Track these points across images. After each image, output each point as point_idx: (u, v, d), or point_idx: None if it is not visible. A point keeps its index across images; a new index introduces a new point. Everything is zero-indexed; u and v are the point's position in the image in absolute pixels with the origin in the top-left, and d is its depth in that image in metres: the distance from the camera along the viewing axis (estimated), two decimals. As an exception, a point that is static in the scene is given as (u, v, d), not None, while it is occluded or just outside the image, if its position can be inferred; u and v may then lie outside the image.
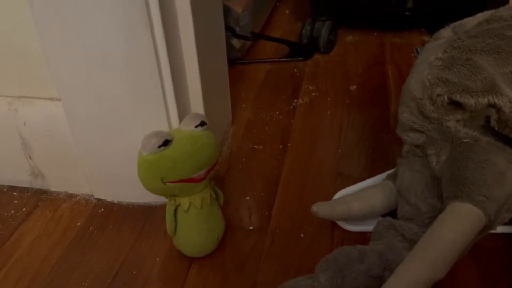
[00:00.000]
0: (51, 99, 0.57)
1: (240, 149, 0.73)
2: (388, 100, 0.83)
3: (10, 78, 0.57)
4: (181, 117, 0.55)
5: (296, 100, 0.85)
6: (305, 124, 0.78)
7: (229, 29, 0.90)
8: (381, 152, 0.70)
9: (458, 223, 0.40)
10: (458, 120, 0.44)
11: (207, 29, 0.60)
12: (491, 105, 0.41)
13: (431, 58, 0.46)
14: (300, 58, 0.99)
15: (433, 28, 1.09)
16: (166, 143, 0.48)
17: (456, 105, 0.43)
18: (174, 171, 0.48)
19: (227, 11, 0.91)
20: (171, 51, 0.51)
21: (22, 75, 0.57)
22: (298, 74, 0.95)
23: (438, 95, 0.44)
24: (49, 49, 0.51)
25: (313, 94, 0.87)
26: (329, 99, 0.85)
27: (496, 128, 0.42)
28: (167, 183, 0.49)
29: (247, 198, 0.63)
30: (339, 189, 0.60)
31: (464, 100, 0.42)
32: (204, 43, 0.57)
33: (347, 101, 0.84)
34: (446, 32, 0.48)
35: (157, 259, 0.54)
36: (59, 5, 0.47)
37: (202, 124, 0.51)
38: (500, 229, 0.54)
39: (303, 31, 1.01)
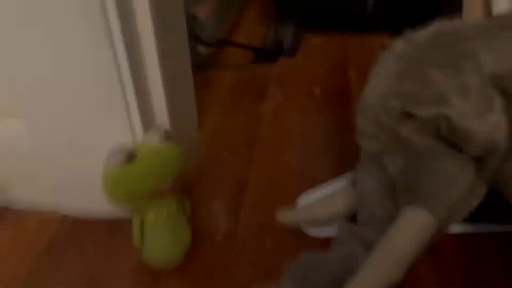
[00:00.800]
0: (12, 116, 0.56)
1: (207, 156, 0.73)
2: (350, 103, 0.86)
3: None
4: (145, 130, 0.55)
5: (262, 105, 0.87)
6: (271, 129, 0.80)
7: (194, 36, 0.91)
8: (345, 154, 0.73)
9: (412, 229, 0.42)
10: (410, 129, 0.46)
11: (169, 38, 0.60)
12: (441, 116, 0.43)
13: (386, 70, 0.48)
14: (265, 63, 1.00)
15: (394, 30, 1.13)
16: (130, 158, 0.48)
17: (409, 115, 0.45)
18: (139, 185, 0.49)
19: (192, 18, 0.91)
20: (133, 63, 0.51)
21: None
22: (263, 78, 0.96)
23: (392, 106, 0.46)
24: (7, 62, 0.50)
25: (279, 98, 0.89)
26: (294, 103, 0.87)
27: (446, 137, 0.45)
28: (133, 197, 0.49)
29: (215, 205, 0.64)
30: (304, 192, 0.62)
31: (416, 111, 0.44)
32: (166, 52, 0.57)
33: (312, 104, 0.86)
34: (398, 44, 0.50)
35: (127, 272, 0.54)
36: (17, 15, 0.47)
37: (167, 137, 0.52)
38: (454, 229, 0.56)
39: (267, 36, 1.03)
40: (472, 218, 0.50)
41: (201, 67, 0.97)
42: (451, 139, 0.45)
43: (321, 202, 0.56)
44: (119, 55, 0.50)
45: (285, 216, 0.53)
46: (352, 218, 0.54)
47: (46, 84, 0.51)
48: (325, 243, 0.56)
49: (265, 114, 0.84)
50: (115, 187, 0.48)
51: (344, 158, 0.71)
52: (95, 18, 0.47)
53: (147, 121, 0.57)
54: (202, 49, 0.95)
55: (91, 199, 0.58)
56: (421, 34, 0.49)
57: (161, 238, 0.52)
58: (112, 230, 0.60)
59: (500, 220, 0.56)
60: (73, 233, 0.60)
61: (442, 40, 0.47)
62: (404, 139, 0.47)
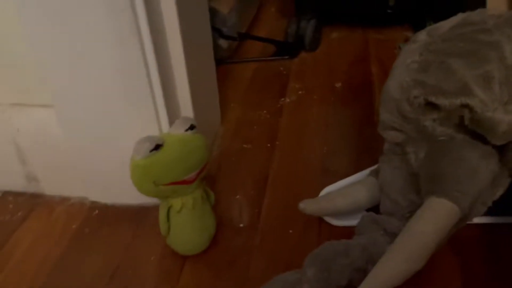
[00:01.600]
0: (44, 106, 0.59)
1: (230, 149, 0.75)
2: (372, 96, 0.86)
3: (3, 86, 0.59)
4: (171, 121, 0.57)
5: (283, 99, 0.88)
6: (292, 122, 0.81)
7: (216, 30, 0.92)
8: (366, 148, 0.73)
9: (434, 217, 0.43)
10: (434, 120, 0.47)
11: (194, 32, 0.61)
12: (464, 106, 0.44)
13: (408, 61, 0.49)
14: (286, 57, 1.01)
15: (415, 24, 1.12)
16: (157, 147, 0.50)
17: (432, 105, 0.46)
18: (166, 174, 0.50)
19: (213, 12, 0.93)
20: (159, 57, 0.53)
21: (15, 83, 0.58)
22: (284, 72, 0.97)
23: (415, 96, 0.46)
24: (40, 58, 0.53)
25: (300, 92, 0.90)
26: (315, 97, 0.88)
27: (469, 127, 0.45)
28: (160, 186, 0.51)
29: (237, 196, 0.65)
30: (326, 186, 0.63)
31: (439, 101, 0.44)
32: (191, 46, 0.59)
33: (332, 98, 0.87)
34: (421, 36, 0.50)
35: (152, 258, 0.56)
36: (50, 14, 0.49)
37: (192, 127, 0.53)
38: (477, 219, 0.56)
39: (289, 30, 1.03)
40: (495, 208, 0.50)
41: (223, 61, 0.98)
42: (474, 129, 0.45)
43: (343, 193, 0.57)
44: (146, 49, 0.51)
45: (306, 205, 0.54)
46: (374, 209, 0.55)
47: (76, 75, 0.53)
48: (348, 233, 0.57)
49: (286, 107, 0.85)
50: (141, 177, 0.50)
51: (365, 152, 0.72)
52: (123, 14, 0.48)
53: (173, 113, 0.59)
54: (223, 43, 0.96)
55: (119, 187, 0.60)
56: (445, 26, 0.49)
57: (186, 225, 0.54)
58: (139, 217, 0.62)
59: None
60: (101, 220, 0.62)
61: (466, 31, 0.47)
62: (427, 129, 0.48)
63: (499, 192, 0.48)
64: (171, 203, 0.53)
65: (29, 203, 0.66)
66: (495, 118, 0.43)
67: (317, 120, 0.81)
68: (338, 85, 0.91)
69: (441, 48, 0.46)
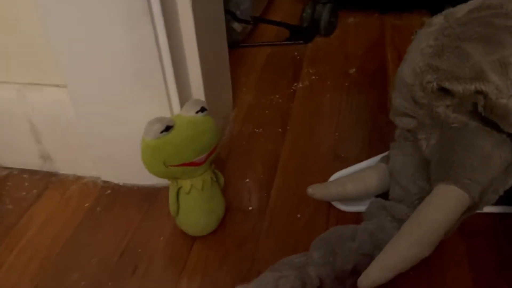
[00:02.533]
0: (57, 85, 0.59)
1: (241, 133, 0.75)
2: (386, 83, 0.85)
3: (18, 66, 0.60)
4: (182, 103, 0.57)
5: (296, 84, 0.87)
6: (304, 107, 0.80)
7: (229, 13, 0.91)
8: (378, 134, 0.72)
9: (443, 204, 0.42)
10: (447, 106, 0.46)
11: (206, 14, 0.61)
12: (479, 92, 0.43)
13: (423, 45, 0.48)
14: (300, 41, 1.00)
15: (433, 9, 1.09)
16: (168, 128, 0.50)
17: (445, 91, 0.45)
18: (175, 155, 0.51)
19: (227, -5, 0.92)
20: (171, 38, 0.53)
21: (29, 63, 0.59)
22: (298, 57, 0.96)
23: (428, 82, 0.45)
24: (53, 38, 0.53)
25: (313, 77, 0.89)
26: (328, 82, 0.87)
27: (483, 114, 0.44)
28: (169, 167, 0.51)
29: (247, 180, 0.65)
30: (336, 171, 0.63)
31: (453, 86, 0.43)
32: (203, 28, 0.59)
33: (346, 84, 0.86)
34: (438, 19, 0.49)
35: (161, 238, 0.57)
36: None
37: (203, 109, 0.53)
38: (487, 209, 0.56)
39: (304, 14, 1.02)
40: (506, 198, 0.50)
41: (236, 44, 0.98)
42: (488, 116, 0.44)
43: (352, 178, 0.56)
44: (158, 29, 0.51)
45: (315, 190, 0.54)
46: (383, 195, 0.55)
47: (88, 55, 0.53)
48: (356, 219, 0.57)
49: (299, 92, 0.84)
50: (152, 157, 0.51)
51: (378, 139, 0.71)
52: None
53: (184, 95, 0.59)
54: (237, 26, 0.96)
55: (131, 168, 0.61)
56: (462, 9, 0.48)
57: (195, 207, 0.54)
58: (149, 198, 0.63)
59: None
60: (113, 199, 0.63)
61: (483, 15, 0.45)
62: (440, 116, 0.47)
63: (512, 181, 0.47)
64: (180, 184, 0.54)
65: (44, 181, 0.67)
66: (509, 105, 0.42)
67: (329, 106, 0.80)
68: (352, 71, 0.90)
69: (457, 33, 0.45)
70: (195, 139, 0.52)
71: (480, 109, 0.44)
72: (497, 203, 0.48)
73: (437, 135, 0.48)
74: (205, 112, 0.53)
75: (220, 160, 0.69)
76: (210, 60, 0.63)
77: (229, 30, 0.96)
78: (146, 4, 0.49)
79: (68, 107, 0.59)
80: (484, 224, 0.55)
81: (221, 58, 0.72)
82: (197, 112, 0.53)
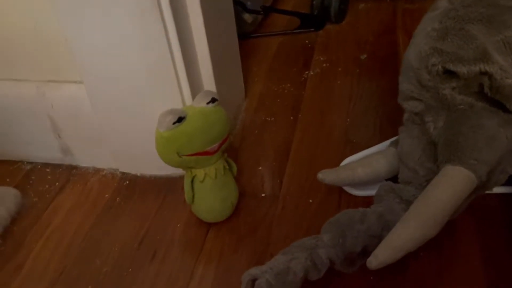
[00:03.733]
0: (75, 82, 0.62)
1: (253, 122, 0.76)
2: (397, 68, 0.85)
3: (36, 64, 0.62)
4: (194, 95, 0.59)
5: (307, 72, 0.88)
6: (315, 95, 0.81)
7: (239, 4, 0.92)
8: (389, 119, 0.73)
9: (450, 185, 0.43)
10: (453, 88, 0.46)
11: (215, 7, 0.62)
12: (483, 73, 0.43)
13: (428, 29, 0.48)
14: (311, 29, 1.00)
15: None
16: (180, 119, 0.52)
17: (451, 73, 0.45)
18: (189, 145, 0.53)
19: (237, -14, 0.93)
20: (181, 33, 0.54)
21: (48, 61, 0.62)
22: (309, 45, 0.97)
23: (433, 64, 0.46)
24: (70, 36, 0.55)
25: (324, 65, 0.89)
26: (339, 69, 0.87)
27: (489, 94, 0.44)
28: (183, 157, 0.53)
29: (260, 167, 0.67)
30: (347, 157, 0.63)
31: (457, 68, 0.44)
32: (212, 21, 0.60)
33: (357, 70, 0.86)
34: (442, 2, 0.49)
35: (178, 225, 0.59)
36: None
37: (213, 100, 0.55)
38: (497, 189, 0.56)
39: (314, 2, 1.02)
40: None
41: (247, 34, 0.99)
42: (494, 96, 0.45)
43: (362, 163, 0.57)
44: (168, 24, 0.53)
45: (325, 175, 0.55)
46: (393, 179, 0.56)
47: (101, 51, 0.56)
48: (367, 203, 0.58)
49: (310, 80, 0.85)
50: (166, 148, 0.53)
51: (389, 124, 0.72)
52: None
53: (195, 87, 0.61)
54: (248, 17, 0.97)
55: (147, 159, 0.63)
56: (466, -9, 0.48)
57: (209, 194, 0.56)
58: (166, 187, 0.65)
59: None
60: (131, 190, 0.66)
61: (487, -4, 0.45)
62: (446, 98, 0.47)
63: (521, 160, 0.47)
64: (194, 173, 0.56)
65: (66, 174, 0.70)
66: (515, 85, 0.42)
67: (340, 93, 0.81)
68: (364, 57, 0.90)
69: (461, 14, 0.45)
70: (207, 129, 0.54)
71: (486, 89, 0.44)
72: (508, 183, 0.49)
73: (444, 117, 0.48)
74: (216, 103, 0.55)
75: (233, 149, 0.71)
76: (220, 52, 0.65)
77: (240, 21, 0.97)
78: (156, 1, 0.50)
79: (85, 102, 0.61)
80: (494, 205, 0.55)
81: (231, 50, 0.73)
82: (208, 103, 0.54)
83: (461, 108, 0.46)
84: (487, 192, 0.51)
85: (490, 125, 0.44)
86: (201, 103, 0.55)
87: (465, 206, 0.47)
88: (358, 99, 0.79)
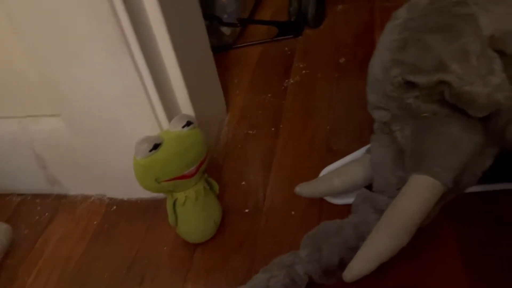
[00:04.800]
0: (53, 115, 0.63)
1: (236, 136, 0.77)
2: (376, 69, 0.85)
3: (16, 101, 0.64)
4: (170, 119, 0.60)
5: (287, 80, 0.89)
6: (296, 104, 0.82)
7: (215, 18, 0.93)
8: (369, 124, 0.73)
9: (417, 195, 0.44)
10: (416, 97, 0.47)
11: (183, 27, 0.63)
12: (442, 82, 0.44)
13: (388, 40, 0.49)
14: (290, 36, 1.01)
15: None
16: (156, 146, 0.53)
17: (412, 84, 0.46)
18: (166, 171, 0.54)
19: (211, 0, 0.94)
20: (150, 61, 0.55)
21: (25, 97, 0.63)
22: (289, 52, 0.97)
23: (394, 76, 0.47)
24: (42, 72, 0.56)
25: (304, 71, 0.90)
26: (319, 75, 0.88)
27: (450, 101, 0.45)
28: (162, 182, 0.54)
29: (243, 182, 0.68)
30: (329, 165, 0.64)
31: (417, 79, 0.45)
32: (182, 42, 0.61)
33: (336, 75, 0.87)
34: (402, 13, 0.50)
35: (165, 248, 0.61)
36: (44, 28, 0.52)
37: (188, 124, 0.56)
38: (475, 188, 0.57)
39: (291, 8, 1.03)
40: (493, 176, 0.51)
41: (227, 46, 1.00)
42: (455, 103, 0.45)
43: (339, 172, 0.58)
44: (136, 57, 0.54)
45: (302, 188, 0.56)
46: (371, 186, 0.56)
47: (76, 85, 0.57)
48: (348, 211, 0.59)
49: (291, 89, 0.86)
50: (144, 175, 0.54)
51: (369, 128, 0.71)
52: (108, 26, 0.51)
53: (172, 111, 0.62)
54: (226, 30, 0.98)
55: (132, 183, 0.64)
56: (424, 0, 0.49)
57: (192, 216, 0.58)
58: (152, 210, 0.66)
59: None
60: (119, 215, 0.67)
61: (443, 5, 0.46)
62: (411, 107, 0.48)
63: (489, 162, 0.48)
64: (175, 196, 0.57)
65: (55, 204, 0.72)
66: (473, 91, 0.43)
67: (320, 99, 0.82)
68: (342, 60, 0.91)
69: (418, 25, 0.46)
70: (184, 153, 0.55)
71: (446, 97, 0.45)
72: (484, 181, 0.50)
73: (410, 125, 0.49)
74: (191, 126, 0.56)
75: (217, 165, 0.72)
76: (194, 72, 0.66)
77: (218, 34, 0.98)
78: (121, 35, 0.51)
79: (65, 133, 0.63)
80: (472, 205, 0.56)
81: (206, 67, 0.74)
82: (183, 127, 0.56)
83: (426, 116, 0.47)
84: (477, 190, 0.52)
85: (454, 131, 0.45)
86: (177, 127, 0.56)
87: (436, 211, 0.48)
88: (337, 104, 0.79)
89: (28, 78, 0.60)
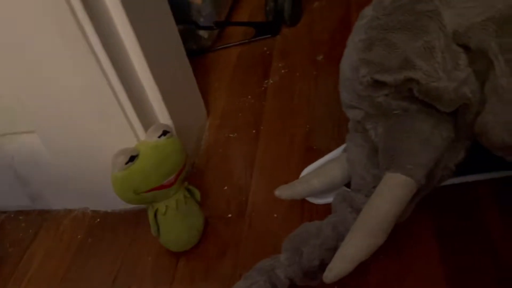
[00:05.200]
0: (29, 132, 0.63)
1: (217, 140, 0.77)
2: (353, 65, 0.86)
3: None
4: (146, 129, 0.60)
5: (266, 81, 0.89)
6: (275, 104, 0.82)
7: (192, 23, 0.93)
8: (347, 122, 0.73)
9: (390, 193, 0.44)
10: (386, 95, 0.47)
11: (155, 36, 0.63)
12: (409, 79, 0.44)
13: (356, 39, 0.49)
14: (268, 36, 1.01)
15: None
16: (132, 158, 0.53)
17: (381, 82, 0.46)
18: (144, 183, 0.54)
19: (187, 4, 0.94)
20: (122, 75, 0.55)
21: (2, 115, 0.62)
22: (268, 52, 0.97)
23: (363, 76, 0.47)
24: (15, 93, 0.56)
25: (283, 71, 0.90)
26: (297, 73, 0.88)
27: (419, 98, 0.46)
28: (141, 194, 0.54)
29: (225, 187, 0.68)
30: (310, 164, 0.65)
31: (384, 78, 0.45)
32: (154, 52, 0.60)
33: (314, 73, 0.87)
34: (368, 11, 0.50)
35: (149, 258, 0.61)
36: (13, 50, 0.52)
37: (165, 133, 0.56)
38: (452, 180, 0.57)
39: (267, 8, 1.03)
40: (469, 168, 0.51)
41: (206, 49, 1.00)
42: (424, 99, 0.46)
43: (318, 173, 0.58)
44: (108, 72, 0.53)
45: (281, 191, 0.57)
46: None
47: (51, 102, 0.57)
48: (329, 210, 0.59)
49: (270, 89, 0.86)
50: (122, 188, 0.54)
51: (347, 126, 0.72)
52: (77, 44, 0.51)
53: (148, 121, 0.62)
54: (203, 33, 0.97)
55: (113, 195, 0.64)
56: (388, -2, 0.49)
57: (174, 226, 0.58)
58: (135, 221, 0.66)
59: (494, 169, 0.56)
60: (102, 227, 0.67)
61: (405, 2, 0.46)
62: (381, 104, 0.48)
63: (461, 155, 0.49)
64: (156, 207, 0.57)
65: (39, 220, 0.71)
66: (440, 87, 0.43)
67: (299, 98, 0.82)
68: (320, 57, 0.91)
69: (383, 24, 0.46)
70: (161, 163, 0.55)
71: (415, 93, 0.45)
72: (460, 173, 0.50)
73: (383, 123, 0.49)
74: (168, 135, 0.56)
75: (199, 171, 0.72)
76: (169, 80, 0.66)
77: (196, 38, 0.98)
78: (90, 51, 0.51)
79: (42, 149, 0.62)
80: (450, 197, 0.57)
81: (182, 73, 0.74)
82: (159, 137, 0.56)
83: (396, 114, 0.48)
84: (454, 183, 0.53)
85: (425, 127, 0.46)
86: (153, 137, 0.56)
87: (412, 207, 0.49)
88: (316, 103, 0.80)
89: (3, 96, 0.60)
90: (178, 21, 0.72)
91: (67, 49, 0.51)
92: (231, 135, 0.78)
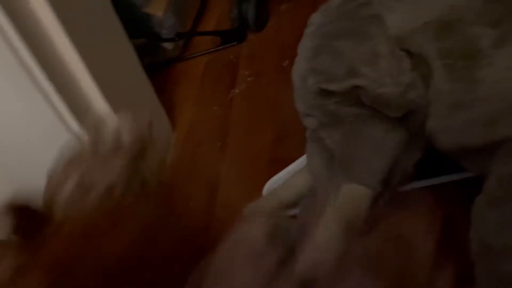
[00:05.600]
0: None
1: (183, 155, 0.76)
2: (319, 68, 0.84)
3: None
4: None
5: (233, 90, 0.87)
6: (242, 114, 0.81)
7: (154, 35, 0.91)
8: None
9: (348, 204, 0.43)
10: (336, 102, 0.46)
11: (103, 54, 0.61)
12: (356, 86, 0.43)
13: (303, 48, 0.48)
14: (234, 43, 0.99)
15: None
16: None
17: (329, 91, 0.45)
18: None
19: (148, 17, 0.92)
20: (70, 101, 0.53)
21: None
22: (234, 60, 0.96)
23: (311, 85, 0.45)
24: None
25: (249, 79, 0.89)
26: (263, 80, 0.87)
27: (368, 104, 0.44)
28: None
29: (191, 205, 0.66)
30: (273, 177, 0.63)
31: (331, 87, 0.44)
32: (106, 75, 0.59)
33: (280, 79, 0.85)
34: (316, 18, 0.49)
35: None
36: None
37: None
38: (425, 182, 0.56)
39: (232, 15, 1.01)
40: (439, 170, 0.50)
41: (171, 61, 0.98)
42: (373, 105, 0.44)
43: (285, 185, 0.57)
44: (54, 100, 0.52)
45: (252, 209, 0.55)
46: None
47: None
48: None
49: (236, 98, 0.85)
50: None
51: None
52: (19, 75, 0.49)
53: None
54: (167, 45, 0.96)
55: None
56: (332, 3, 0.48)
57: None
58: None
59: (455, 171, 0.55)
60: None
61: (349, 8, 0.45)
62: (333, 112, 0.47)
63: (417, 155, 0.47)
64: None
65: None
66: (387, 92, 0.42)
67: (265, 106, 0.80)
68: (286, 63, 0.89)
69: (328, 31, 0.45)
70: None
71: (364, 100, 0.44)
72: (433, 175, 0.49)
73: (339, 131, 0.48)
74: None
75: (164, 189, 0.70)
76: (124, 99, 0.64)
77: (161, 50, 0.96)
78: (33, 81, 0.49)
79: None
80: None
81: (140, 90, 0.72)
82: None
83: (349, 121, 0.46)
84: (418, 186, 0.52)
85: (376, 133, 0.44)
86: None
87: (374, 213, 0.47)
88: (282, 111, 0.78)
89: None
90: (138, 35, 0.70)
91: (7, 81, 0.49)
92: (197, 149, 0.76)
